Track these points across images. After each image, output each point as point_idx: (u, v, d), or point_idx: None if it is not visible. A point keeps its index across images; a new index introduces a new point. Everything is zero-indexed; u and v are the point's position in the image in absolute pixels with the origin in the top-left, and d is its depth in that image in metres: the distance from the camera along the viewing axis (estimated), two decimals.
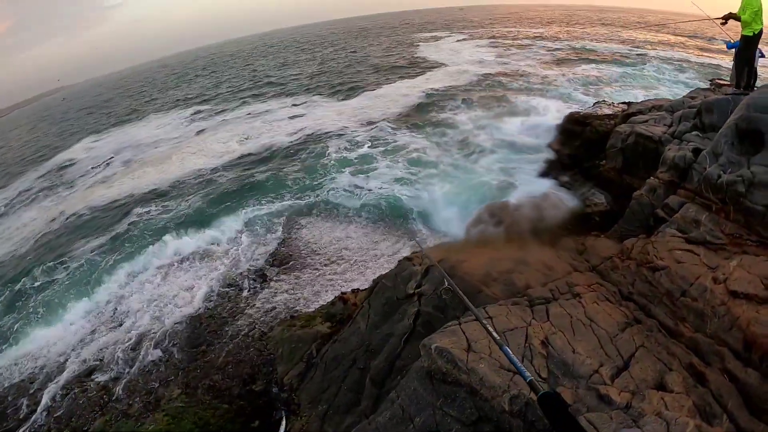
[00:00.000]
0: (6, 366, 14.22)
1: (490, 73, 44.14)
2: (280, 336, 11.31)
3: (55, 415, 11.94)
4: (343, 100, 42.07)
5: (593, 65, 44.80)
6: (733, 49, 13.43)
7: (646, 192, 10.77)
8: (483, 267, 8.81)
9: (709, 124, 11.26)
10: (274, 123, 37.49)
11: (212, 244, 19.05)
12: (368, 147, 27.26)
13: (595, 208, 13.83)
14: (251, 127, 37.67)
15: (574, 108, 22.88)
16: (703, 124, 11.56)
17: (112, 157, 37.45)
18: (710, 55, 49.35)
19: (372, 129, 30.86)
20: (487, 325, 3.25)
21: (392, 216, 19.21)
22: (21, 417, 12.19)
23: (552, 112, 23.73)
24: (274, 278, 16.09)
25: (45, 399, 12.47)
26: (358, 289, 13.08)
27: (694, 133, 11.48)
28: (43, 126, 79.16)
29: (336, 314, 11.54)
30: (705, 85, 19.09)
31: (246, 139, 34.26)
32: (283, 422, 9.48)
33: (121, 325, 15.02)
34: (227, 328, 13.95)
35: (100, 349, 14.01)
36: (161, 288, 16.52)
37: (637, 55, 49.97)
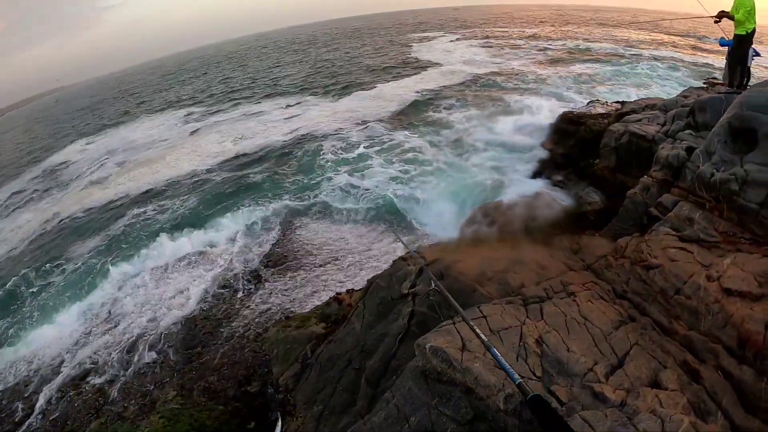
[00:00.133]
0: (1, 369, 14.18)
1: (483, 73, 44.26)
2: (275, 337, 11.28)
3: (50, 418, 11.94)
4: (337, 100, 42.09)
5: (587, 64, 44.94)
6: (726, 47, 13.47)
7: (640, 191, 10.78)
8: (477, 266, 8.80)
9: (703, 123, 11.30)
10: (269, 123, 37.50)
11: (207, 245, 19.02)
12: (363, 147, 27.29)
13: (589, 206, 13.84)
14: (246, 127, 37.64)
15: (568, 107, 22.91)
16: (697, 122, 11.59)
17: (107, 158, 37.40)
18: (703, 54, 49.55)
19: (366, 129, 30.93)
20: (475, 327, 3.26)
21: (387, 216, 19.24)
22: (16, 420, 12.16)
23: (545, 112, 23.75)
24: (269, 279, 16.09)
25: (40, 402, 12.46)
26: (352, 289, 13.05)
27: (687, 131, 11.50)
28: (37, 127, 78.91)
29: (331, 315, 11.52)
30: (698, 83, 19.15)
31: (240, 139, 34.25)
32: (279, 423, 9.46)
33: (115, 327, 14.98)
34: (222, 330, 13.95)
35: (95, 352, 13.98)
36: (156, 290, 16.49)
37: (631, 54, 50.08)
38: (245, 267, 17.09)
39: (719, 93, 12.36)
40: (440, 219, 17.89)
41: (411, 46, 75.78)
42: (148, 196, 25.98)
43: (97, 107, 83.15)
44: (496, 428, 5.14)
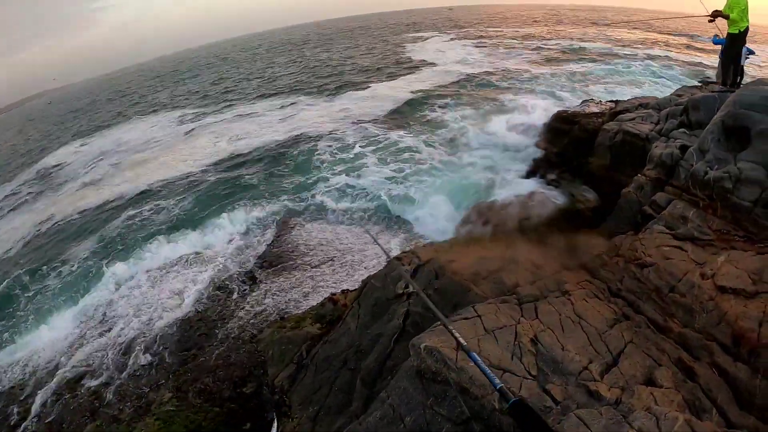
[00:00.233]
0: None
1: (478, 73, 44.30)
2: (270, 338, 11.28)
3: (46, 421, 11.90)
4: (331, 100, 42.02)
5: (580, 64, 45.03)
6: (719, 45, 13.51)
7: (634, 189, 10.82)
8: (472, 266, 8.81)
9: (696, 122, 11.33)
10: (263, 124, 37.39)
11: (202, 246, 18.97)
12: (357, 147, 27.26)
13: (584, 205, 13.88)
14: (240, 128, 37.52)
15: (562, 106, 22.96)
16: (690, 121, 11.63)
17: (101, 160, 37.24)
18: (695, 53, 49.72)
19: (360, 129, 30.92)
20: (454, 332, 3.19)
21: (381, 216, 19.22)
22: (12, 424, 12.11)
23: (540, 111, 23.75)
24: (264, 280, 16.06)
25: (36, 405, 12.41)
26: (347, 289, 13.07)
27: (680, 130, 11.55)
28: (30, 129, 78.61)
29: (326, 315, 11.51)
30: (691, 82, 19.21)
31: (235, 140, 34.12)
32: (275, 424, 9.45)
33: (110, 329, 14.93)
34: (217, 331, 13.91)
35: (90, 355, 13.93)
36: (151, 292, 16.43)
37: (624, 53, 50.18)
38: (240, 268, 17.05)
39: (713, 92, 12.40)
40: (435, 219, 17.90)
41: (405, 45, 75.71)
42: (143, 197, 25.87)
43: (90, 108, 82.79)
44: (491, 427, 5.14)
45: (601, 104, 19.43)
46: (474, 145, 23.63)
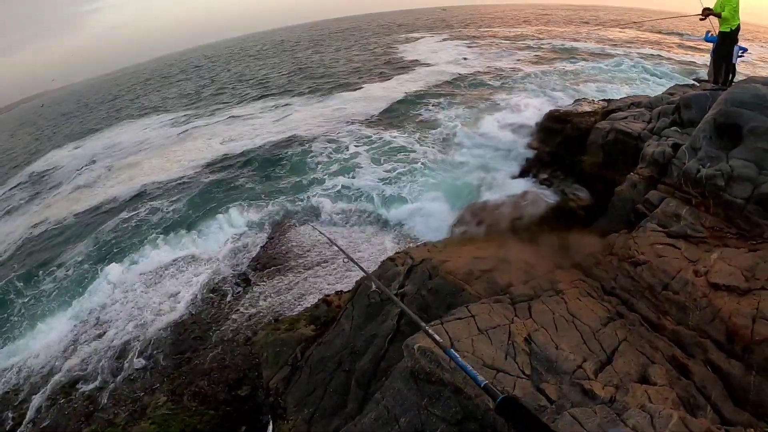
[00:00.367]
0: None
1: (471, 72, 44.35)
2: (264, 340, 11.24)
3: (41, 426, 11.84)
4: (324, 100, 41.93)
5: (573, 63, 45.15)
6: (711, 43, 13.55)
7: (627, 187, 10.85)
8: (465, 266, 8.80)
9: (688, 120, 11.37)
10: (257, 125, 37.31)
11: (195, 249, 18.91)
12: (351, 148, 27.23)
13: (578, 203, 13.90)
14: (233, 130, 37.42)
15: (555, 105, 22.99)
16: (682, 119, 11.67)
17: (95, 162, 37.08)
18: (686, 52, 49.98)
19: (354, 129, 30.91)
20: (430, 331, 3.12)
21: (375, 217, 19.22)
22: (7, 429, 12.05)
23: (532, 110, 23.76)
24: (258, 282, 16.02)
25: (31, 411, 12.35)
26: (341, 291, 13.04)
27: (673, 128, 11.60)
28: (23, 132, 78.35)
29: (320, 317, 11.49)
30: (683, 80, 19.26)
31: (228, 142, 34.01)
32: (270, 426, 9.43)
33: (105, 333, 14.86)
34: (212, 334, 13.88)
35: (85, 359, 13.85)
36: (145, 295, 16.37)
37: (616, 52, 50.35)
38: (234, 270, 17.01)
39: (704, 90, 12.44)
40: (428, 219, 17.91)
41: (398, 46, 75.70)
42: (137, 199, 25.75)
43: (83, 111, 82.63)
44: (486, 427, 5.13)
45: (594, 103, 19.44)
46: (467, 144, 23.66)
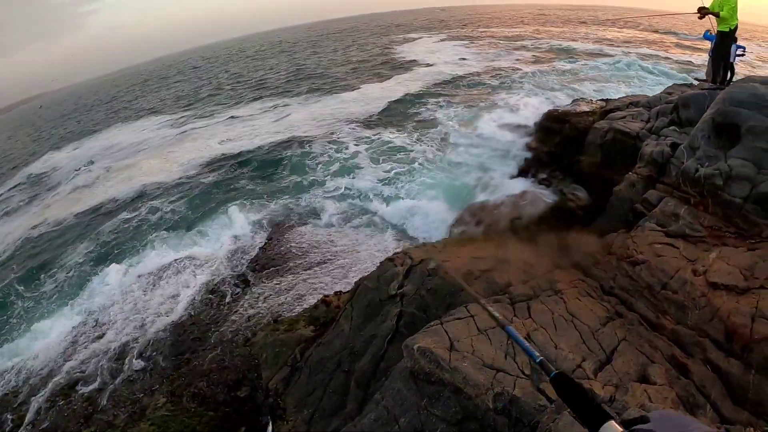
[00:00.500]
0: None
1: (469, 72, 44.37)
2: (263, 341, 11.22)
3: (40, 428, 11.82)
4: (323, 101, 41.87)
5: (570, 63, 45.19)
6: (710, 41, 13.55)
7: (625, 187, 10.86)
8: (464, 266, 8.80)
9: (686, 119, 11.39)
10: (255, 126, 37.26)
11: (195, 250, 18.86)
12: (349, 148, 27.25)
13: (576, 202, 13.90)
14: (232, 130, 37.37)
15: (553, 105, 23.01)
16: (680, 119, 11.68)
17: (93, 163, 37.01)
18: (684, 52, 50.01)
19: (352, 129, 30.93)
20: (488, 307, 3.17)
21: (374, 217, 19.19)
22: (6, 431, 12.03)
23: (530, 110, 23.84)
24: (257, 283, 15.99)
25: (30, 412, 12.32)
26: (340, 291, 12.99)
27: (671, 128, 11.61)
28: (21, 133, 78.18)
29: (319, 317, 11.47)
30: (681, 79, 19.26)
31: (227, 142, 33.98)
32: (270, 427, 9.43)
33: (104, 335, 14.83)
34: (211, 335, 13.86)
35: (84, 360, 13.82)
36: (144, 296, 16.35)
37: (614, 52, 50.35)
38: (233, 271, 16.99)
39: (702, 89, 12.45)
40: (427, 219, 17.90)
41: (397, 46, 75.64)
42: (135, 201, 25.70)
43: (82, 112, 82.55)
44: (486, 427, 5.14)
45: (592, 103, 19.45)
46: (465, 144, 23.67)
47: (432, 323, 6.57)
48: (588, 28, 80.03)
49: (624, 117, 14.48)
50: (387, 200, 20.13)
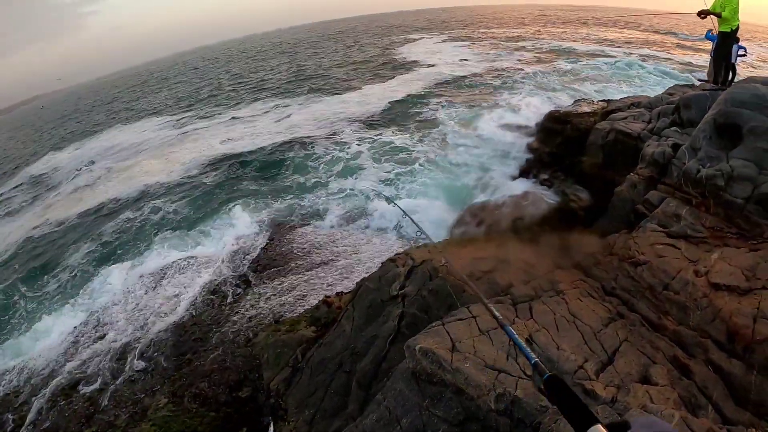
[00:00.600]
0: None
1: (471, 73, 44.36)
2: (265, 341, 11.22)
3: (41, 428, 11.81)
4: (324, 101, 41.86)
5: (572, 63, 45.12)
6: (711, 42, 13.54)
7: (627, 188, 10.85)
8: (466, 267, 8.79)
9: (688, 120, 11.38)
10: (257, 127, 37.26)
11: (197, 250, 18.86)
12: (351, 148, 27.24)
13: (578, 203, 13.89)
14: (234, 131, 37.34)
15: (554, 106, 23.01)
16: (682, 119, 11.67)
17: (95, 163, 37.02)
18: (685, 52, 50.02)
19: (354, 130, 30.94)
20: (491, 307, 3.18)
21: (375, 218, 19.17)
22: (8, 431, 12.03)
23: (532, 110, 23.85)
24: (259, 283, 15.98)
25: (31, 413, 12.31)
26: (342, 292, 12.99)
27: (672, 128, 11.60)
28: (22, 134, 78.18)
29: (321, 318, 11.47)
30: (682, 79, 19.24)
31: (229, 143, 33.96)
32: (271, 428, 9.42)
33: (105, 335, 14.83)
34: (212, 336, 13.85)
35: (86, 360, 13.82)
36: (145, 297, 16.35)
37: (615, 52, 50.38)
38: (234, 272, 16.98)
39: (704, 90, 12.44)
40: (429, 220, 17.86)
41: (398, 47, 75.65)
42: (137, 201, 25.69)
43: (83, 112, 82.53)
44: (487, 428, 5.14)
45: (593, 103, 19.45)
46: (467, 144, 23.68)
47: (434, 324, 6.57)
48: (589, 29, 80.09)
49: (625, 118, 14.47)
50: (389, 201, 20.13)
